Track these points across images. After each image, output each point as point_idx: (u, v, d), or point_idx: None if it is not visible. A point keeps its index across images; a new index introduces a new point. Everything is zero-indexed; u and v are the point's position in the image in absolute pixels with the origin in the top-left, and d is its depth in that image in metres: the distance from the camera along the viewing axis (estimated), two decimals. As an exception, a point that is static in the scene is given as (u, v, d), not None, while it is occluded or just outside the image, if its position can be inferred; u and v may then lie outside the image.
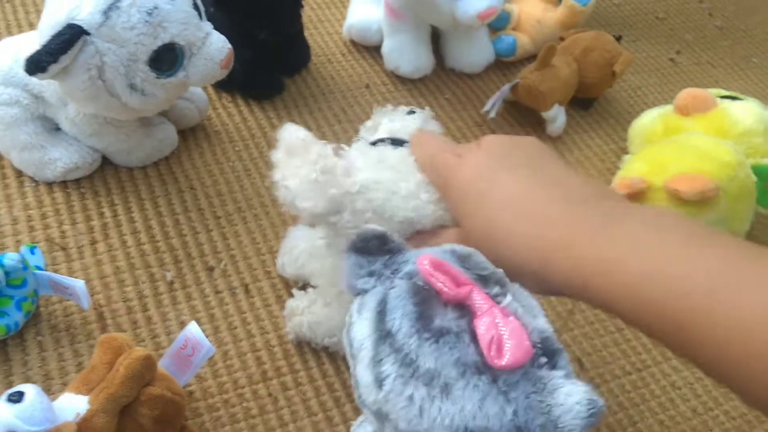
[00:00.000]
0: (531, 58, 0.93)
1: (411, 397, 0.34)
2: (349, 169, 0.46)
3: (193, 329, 0.51)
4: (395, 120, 0.53)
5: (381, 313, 0.36)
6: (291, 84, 0.83)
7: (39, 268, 0.56)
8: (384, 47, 0.86)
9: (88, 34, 0.53)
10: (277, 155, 0.47)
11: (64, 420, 0.45)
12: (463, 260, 0.38)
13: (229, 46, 0.59)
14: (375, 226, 0.39)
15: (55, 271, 0.59)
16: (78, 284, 0.53)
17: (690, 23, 1.11)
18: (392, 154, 0.48)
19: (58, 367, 0.54)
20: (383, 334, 0.35)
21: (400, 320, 0.35)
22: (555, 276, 0.39)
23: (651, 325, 0.36)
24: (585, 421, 0.32)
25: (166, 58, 0.56)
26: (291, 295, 0.61)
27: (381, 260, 0.38)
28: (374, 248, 0.39)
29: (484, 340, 0.34)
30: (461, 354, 0.34)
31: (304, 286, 0.60)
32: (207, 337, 0.50)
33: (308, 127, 0.77)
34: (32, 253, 0.58)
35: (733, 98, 0.78)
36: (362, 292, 0.38)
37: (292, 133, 0.47)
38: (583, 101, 0.88)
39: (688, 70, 1.02)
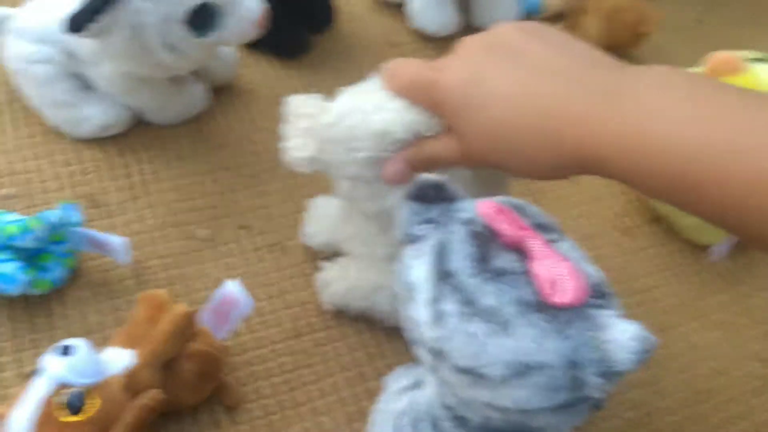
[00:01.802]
0: (558, 16, 0.92)
1: (471, 334, 0.35)
2: (327, 106, 0.48)
3: (231, 284, 0.52)
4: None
5: (440, 255, 0.38)
6: (316, 42, 0.83)
7: (77, 225, 0.57)
8: (410, 5, 0.86)
9: (126, -7, 0.53)
10: (284, 127, 0.50)
11: (112, 373, 0.46)
12: (519, 209, 0.39)
13: (263, 4, 0.59)
14: (432, 175, 0.40)
15: (92, 228, 0.60)
16: (118, 241, 0.55)
17: (717, -19, 1.10)
18: (367, 85, 0.49)
19: (98, 321, 0.56)
20: (444, 275, 0.37)
21: (462, 261, 0.37)
22: (569, 158, 0.38)
23: (671, 192, 0.36)
24: (638, 356, 0.34)
25: (202, 17, 0.56)
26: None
27: (437, 208, 0.40)
28: (431, 196, 0.40)
29: (544, 280, 0.36)
30: (521, 293, 0.36)
31: (328, 257, 0.61)
32: (244, 293, 0.52)
33: (334, 86, 0.78)
34: (70, 209, 0.59)
35: (764, 61, 0.77)
36: (417, 239, 0.40)
37: (291, 100, 0.50)
38: (609, 61, 0.88)
39: (714, 29, 1.01)
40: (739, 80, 0.76)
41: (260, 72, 0.77)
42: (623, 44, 0.85)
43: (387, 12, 0.89)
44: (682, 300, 0.68)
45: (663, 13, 0.86)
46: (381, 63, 0.82)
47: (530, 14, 0.90)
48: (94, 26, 0.53)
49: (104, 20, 0.53)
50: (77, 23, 0.53)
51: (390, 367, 0.57)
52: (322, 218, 0.61)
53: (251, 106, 0.74)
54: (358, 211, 0.53)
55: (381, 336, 0.59)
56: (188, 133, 0.70)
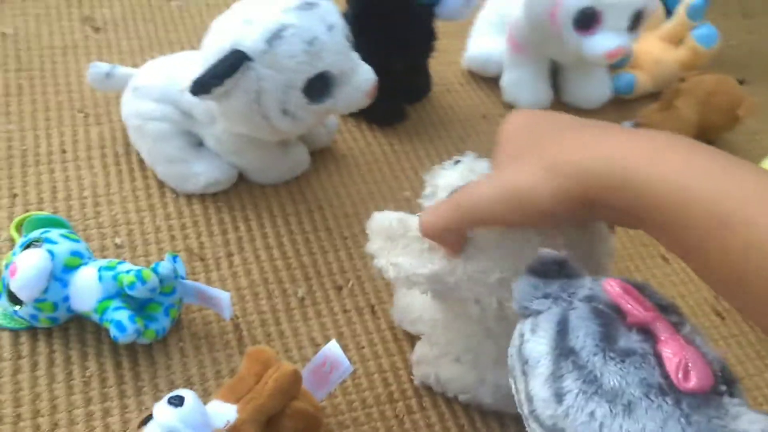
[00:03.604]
0: (647, 96, 0.93)
1: (593, 413, 0.35)
2: None
3: (332, 347, 0.53)
4: (449, 175, 0.52)
5: (562, 332, 0.38)
6: (412, 111, 0.85)
7: (181, 277, 0.59)
8: (504, 79, 0.88)
9: (251, 60, 0.56)
10: (375, 245, 0.50)
11: (215, 427, 0.47)
12: (641, 290, 0.39)
13: (375, 76, 0.61)
14: (553, 251, 0.41)
15: (195, 281, 0.62)
16: (223, 295, 0.56)
17: (808, 68, 1.09)
18: None
19: (199, 373, 0.57)
20: (565, 351, 0.37)
21: (584, 338, 0.37)
22: (561, 195, 0.40)
23: (643, 218, 0.38)
24: None
25: (319, 86, 0.59)
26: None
27: (557, 283, 0.40)
28: (552, 272, 0.40)
29: (671, 363, 0.35)
30: (646, 375, 0.35)
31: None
32: (339, 356, 0.52)
33: (427, 155, 0.80)
34: (174, 261, 0.61)
35: None
36: (535, 313, 0.40)
37: (382, 221, 0.50)
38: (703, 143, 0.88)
39: (806, 115, 1.00)
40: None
41: (356, 138, 0.80)
42: (717, 127, 0.85)
43: (481, 85, 0.91)
44: (779, 391, 0.66)
45: (757, 99, 0.86)
46: (472, 134, 0.84)
47: (623, 93, 0.91)
48: (218, 90, 0.56)
49: (229, 84, 0.56)
50: (204, 86, 0.55)
51: (481, 440, 0.57)
52: (411, 305, 0.60)
53: (347, 170, 0.76)
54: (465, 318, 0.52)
55: (472, 408, 0.59)
56: (287, 193, 0.72)
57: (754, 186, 0.35)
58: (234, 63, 0.55)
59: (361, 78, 0.60)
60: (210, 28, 0.59)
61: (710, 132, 0.85)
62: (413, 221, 0.49)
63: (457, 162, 0.53)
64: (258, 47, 0.56)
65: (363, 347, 0.61)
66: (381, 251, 0.49)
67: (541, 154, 0.42)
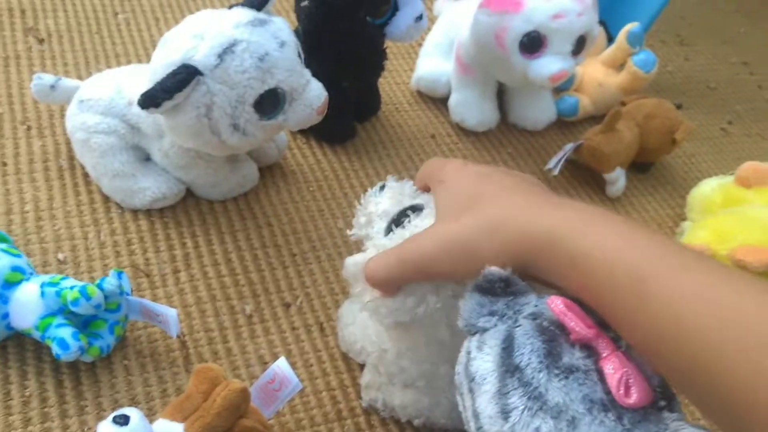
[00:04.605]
0: (590, 118, 0.96)
1: (538, 429, 0.36)
2: None
3: (281, 364, 0.52)
4: (381, 201, 0.53)
5: (507, 349, 0.38)
6: (361, 130, 0.85)
7: (127, 294, 0.58)
8: (451, 100, 0.89)
9: (201, 74, 0.55)
10: (357, 288, 0.50)
11: (162, 445, 0.46)
12: (583, 306, 0.40)
13: (326, 93, 0.62)
14: (499, 269, 0.41)
15: (140, 297, 0.61)
16: (170, 312, 0.55)
17: (741, 94, 1.14)
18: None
19: (144, 392, 0.56)
20: (510, 369, 0.38)
21: (529, 356, 0.38)
22: (503, 253, 0.42)
23: (572, 280, 0.40)
24: None
25: (270, 102, 0.58)
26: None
27: (503, 301, 0.41)
28: (498, 290, 0.41)
29: (613, 380, 0.36)
30: (589, 391, 0.36)
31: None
32: (289, 373, 0.52)
33: (377, 173, 0.80)
34: (119, 277, 0.60)
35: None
36: (481, 330, 0.41)
37: (355, 264, 0.50)
38: (641, 165, 0.91)
39: (740, 140, 1.04)
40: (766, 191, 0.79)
41: (306, 155, 0.80)
42: (655, 150, 0.88)
43: (429, 105, 0.92)
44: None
45: (694, 123, 0.90)
46: (421, 153, 0.85)
47: (566, 116, 0.93)
48: (168, 103, 0.55)
49: (179, 99, 0.55)
50: (154, 100, 0.55)
51: (430, 457, 0.57)
52: (353, 335, 0.60)
53: (297, 187, 0.76)
54: (423, 341, 0.52)
55: (423, 428, 0.59)
56: (235, 209, 0.71)
57: (664, 251, 0.38)
58: (185, 77, 0.55)
59: (312, 95, 0.60)
60: (159, 42, 0.59)
61: (649, 154, 0.88)
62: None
63: (383, 187, 0.53)
64: (209, 62, 0.55)
65: (311, 365, 0.61)
66: (364, 292, 0.49)
67: (486, 211, 0.44)
